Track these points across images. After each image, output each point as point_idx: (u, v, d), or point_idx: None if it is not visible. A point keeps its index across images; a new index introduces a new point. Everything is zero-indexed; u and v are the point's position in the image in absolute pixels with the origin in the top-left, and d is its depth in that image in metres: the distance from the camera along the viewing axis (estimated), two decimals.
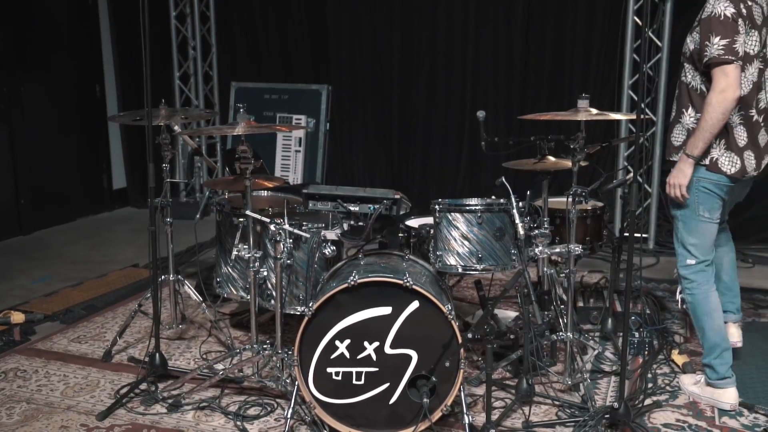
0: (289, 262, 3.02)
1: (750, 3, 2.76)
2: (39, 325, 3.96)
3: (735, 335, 3.40)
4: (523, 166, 3.40)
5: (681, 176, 2.89)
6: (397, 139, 6.38)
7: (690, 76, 2.88)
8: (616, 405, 2.71)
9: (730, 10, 2.70)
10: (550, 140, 3.31)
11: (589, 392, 2.97)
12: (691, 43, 2.84)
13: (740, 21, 2.70)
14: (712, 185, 2.88)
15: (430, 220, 3.22)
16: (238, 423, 2.87)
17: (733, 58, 2.68)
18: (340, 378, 2.72)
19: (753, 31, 2.76)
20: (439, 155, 6.25)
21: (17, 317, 3.92)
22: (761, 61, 2.84)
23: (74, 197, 6.61)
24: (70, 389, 3.21)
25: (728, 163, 2.83)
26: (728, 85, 2.69)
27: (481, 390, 3.06)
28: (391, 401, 2.71)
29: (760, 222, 5.40)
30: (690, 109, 2.90)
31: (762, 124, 2.89)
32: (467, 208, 3.04)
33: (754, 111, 2.85)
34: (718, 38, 2.69)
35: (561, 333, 3.15)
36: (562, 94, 5.74)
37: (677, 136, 2.98)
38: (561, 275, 3.27)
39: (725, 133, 2.81)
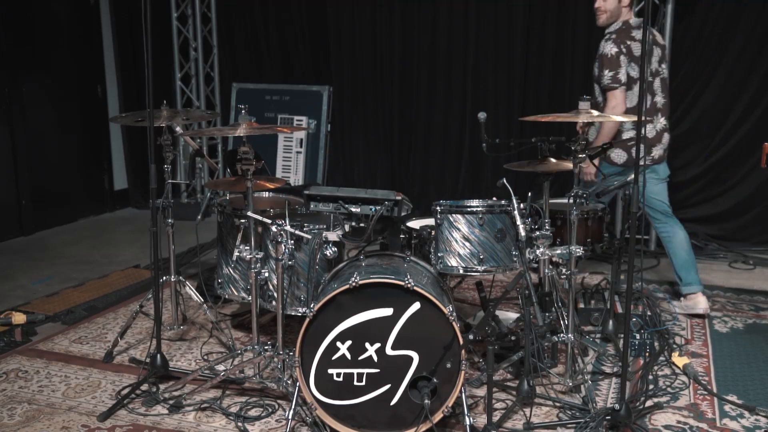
0: (290, 263, 3.03)
1: (629, 42, 3.78)
2: (40, 326, 3.96)
3: (702, 302, 4.01)
4: (524, 167, 3.40)
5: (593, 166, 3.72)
6: (398, 141, 6.38)
7: (597, 94, 3.92)
8: (617, 406, 2.71)
9: (614, 50, 3.76)
10: (551, 141, 3.31)
11: (590, 394, 2.97)
12: (595, 69, 3.88)
13: (622, 57, 3.75)
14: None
15: (431, 221, 3.22)
16: (240, 424, 2.87)
17: (617, 85, 3.76)
18: (341, 379, 2.72)
19: (632, 63, 3.78)
20: (440, 156, 6.25)
21: (18, 318, 3.92)
22: (653, 76, 3.93)
23: (75, 198, 6.61)
24: (72, 390, 3.21)
25: (616, 157, 3.91)
26: (616, 104, 3.76)
27: (482, 391, 3.06)
28: (393, 402, 2.72)
29: (761, 224, 5.40)
30: None
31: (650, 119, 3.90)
32: (468, 209, 3.04)
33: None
34: (606, 71, 3.76)
35: (562, 334, 3.15)
36: (563, 95, 5.74)
37: (591, 137, 3.85)
38: (562, 277, 3.27)
39: (618, 135, 3.86)
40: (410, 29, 6.11)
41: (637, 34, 3.82)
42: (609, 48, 3.77)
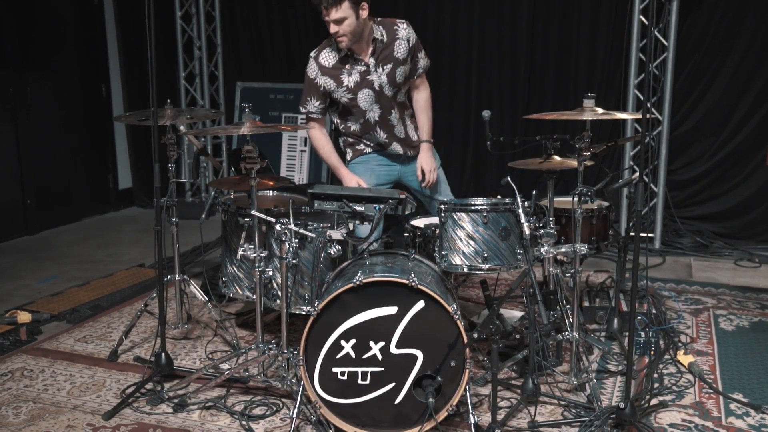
0: (294, 261, 3.03)
1: None
2: (45, 325, 3.97)
3: None
4: (529, 165, 3.39)
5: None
6: None
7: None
8: (622, 405, 2.70)
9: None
10: (556, 140, 3.30)
11: (595, 392, 2.97)
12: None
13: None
14: None
15: (435, 219, 3.22)
16: (244, 422, 2.88)
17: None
18: (345, 378, 2.72)
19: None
20: (444, 155, 6.21)
21: (24, 317, 3.93)
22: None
23: (80, 197, 6.62)
24: (77, 389, 3.22)
25: None
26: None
27: (486, 390, 3.05)
28: (397, 401, 2.71)
29: (767, 222, 5.39)
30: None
31: None
32: (473, 207, 3.04)
33: None
34: (422, 53, 3.62)
35: (567, 333, 3.14)
36: (567, 93, 5.73)
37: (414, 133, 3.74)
38: (567, 275, 3.26)
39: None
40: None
41: None
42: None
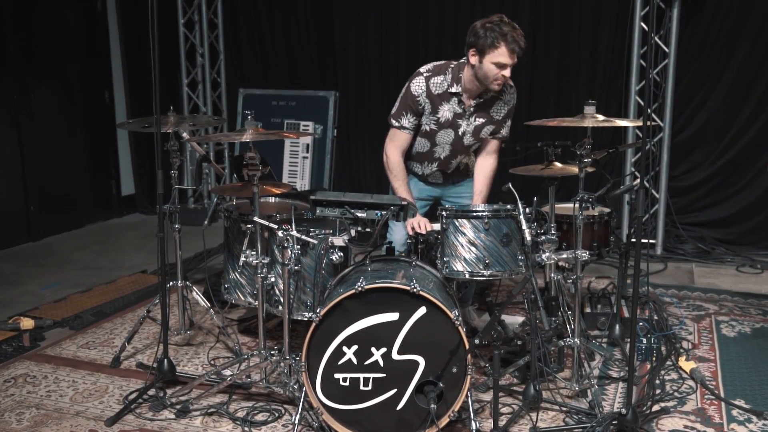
0: (296, 268, 3.04)
1: None
2: (48, 331, 3.98)
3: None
4: (530, 171, 3.40)
5: None
6: None
7: (471, 144, 3.58)
8: (623, 411, 2.71)
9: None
10: (557, 146, 3.31)
11: (597, 398, 2.97)
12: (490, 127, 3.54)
13: None
14: None
15: (437, 226, 3.23)
16: (246, 428, 2.88)
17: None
18: (347, 384, 2.72)
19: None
20: None
21: (27, 323, 3.94)
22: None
23: (83, 203, 6.64)
24: (79, 395, 3.23)
25: None
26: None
27: (488, 396, 3.06)
28: (399, 407, 2.72)
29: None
30: None
31: None
32: (474, 214, 3.05)
33: None
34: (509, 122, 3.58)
35: (568, 339, 3.14)
36: (568, 100, 5.74)
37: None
38: (568, 281, 3.27)
39: None
40: (416, 34, 6.12)
41: None
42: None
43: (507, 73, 3.35)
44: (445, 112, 3.47)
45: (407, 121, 3.50)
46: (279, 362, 3.01)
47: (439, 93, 3.45)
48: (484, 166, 3.63)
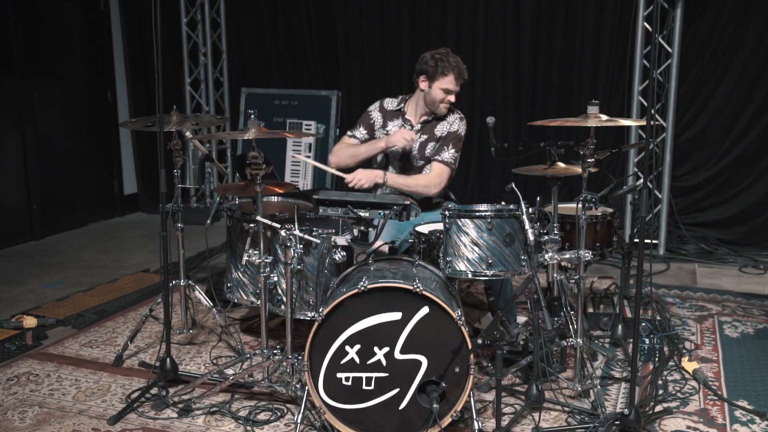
0: (299, 267, 3.04)
1: None
2: (51, 330, 3.99)
3: None
4: (533, 171, 3.40)
5: None
6: None
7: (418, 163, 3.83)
8: (626, 411, 2.70)
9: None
10: (560, 146, 3.31)
11: (599, 398, 2.96)
12: (433, 146, 3.79)
13: None
14: None
15: (439, 225, 3.23)
16: (249, 428, 2.88)
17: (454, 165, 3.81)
18: (350, 383, 2.72)
19: None
20: None
21: (29, 322, 3.95)
22: None
23: (85, 202, 6.65)
24: (82, 393, 3.23)
25: None
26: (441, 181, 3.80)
27: (490, 396, 3.06)
28: (401, 407, 2.72)
29: None
30: None
31: None
32: (477, 213, 3.04)
33: None
34: (453, 150, 3.76)
35: (571, 339, 3.14)
36: (571, 100, 5.74)
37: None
38: (571, 281, 3.27)
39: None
40: (418, 33, 6.12)
41: None
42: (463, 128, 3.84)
43: (452, 98, 3.76)
44: (394, 127, 3.86)
45: (359, 132, 3.92)
46: (281, 361, 3.02)
47: (390, 110, 3.92)
48: (424, 175, 3.81)
